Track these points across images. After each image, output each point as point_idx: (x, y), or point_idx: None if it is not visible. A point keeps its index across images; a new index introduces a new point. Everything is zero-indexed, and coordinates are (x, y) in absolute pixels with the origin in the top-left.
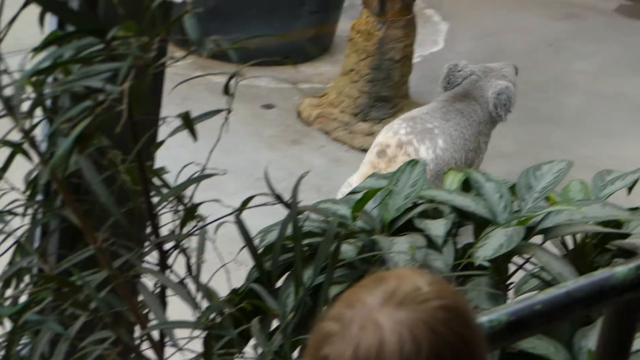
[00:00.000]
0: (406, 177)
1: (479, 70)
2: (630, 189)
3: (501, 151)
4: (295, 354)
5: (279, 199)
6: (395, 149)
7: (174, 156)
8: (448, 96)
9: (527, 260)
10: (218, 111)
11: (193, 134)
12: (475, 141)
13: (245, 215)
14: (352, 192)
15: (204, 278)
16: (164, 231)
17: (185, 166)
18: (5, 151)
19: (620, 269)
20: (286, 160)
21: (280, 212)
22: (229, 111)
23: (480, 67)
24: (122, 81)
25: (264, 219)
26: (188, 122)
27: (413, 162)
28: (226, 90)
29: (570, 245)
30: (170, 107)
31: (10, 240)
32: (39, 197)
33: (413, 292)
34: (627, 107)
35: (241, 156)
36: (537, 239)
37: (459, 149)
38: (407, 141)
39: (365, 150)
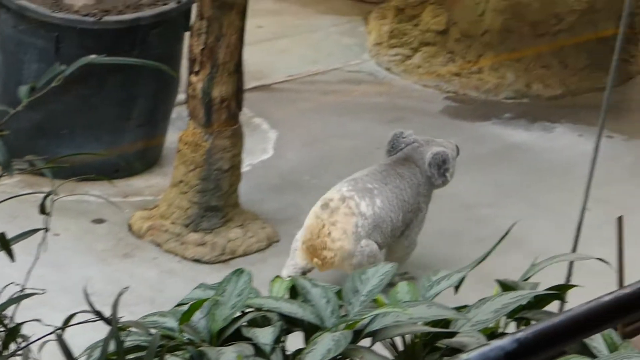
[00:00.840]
0: (232, 287)
1: (422, 139)
2: (456, 287)
3: None
4: None
5: (99, 315)
6: (338, 202)
7: (1, 275)
8: (390, 160)
9: None
10: (35, 230)
11: (10, 254)
12: (415, 202)
13: (77, 331)
14: (180, 304)
15: None
16: None
17: (6, 286)
18: None
19: None
20: (118, 274)
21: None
22: (46, 230)
23: (423, 137)
24: None
25: (97, 334)
26: (4, 243)
27: (239, 272)
28: (42, 209)
29: (401, 347)
30: None
31: None
32: None
33: None
34: (457, 206)
35: (73, 272)
36: (366, 341)
37: (395, 209)
38: (350, 196)
39: (197, 261)
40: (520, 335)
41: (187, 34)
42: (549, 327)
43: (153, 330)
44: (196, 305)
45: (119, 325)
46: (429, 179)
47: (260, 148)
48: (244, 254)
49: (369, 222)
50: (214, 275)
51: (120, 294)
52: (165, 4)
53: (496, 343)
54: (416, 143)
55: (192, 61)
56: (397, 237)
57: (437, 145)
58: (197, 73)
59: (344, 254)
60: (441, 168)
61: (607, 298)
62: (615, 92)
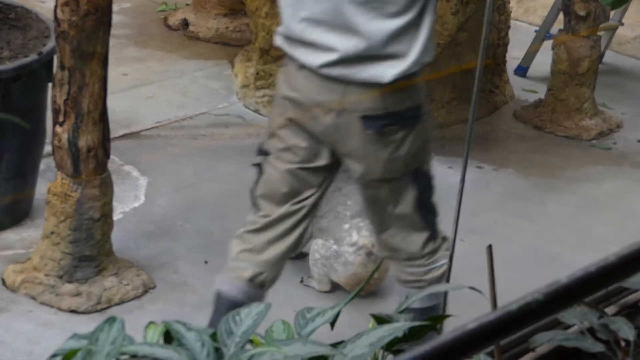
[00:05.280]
0: (105, 335)
1: None
2: (332, 324)
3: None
4: None
5: None
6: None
7: None
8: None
9: None
10: None
11: None
12: None
13: None
14: (53, 356)
15: None
16: None
17: None
18: None
19: None
20: None
21: None
22: None
23: None
24: None
25: None
26: None
27: (111, 320)
28: None
29: None
30: None
31: None
32: None
33: None
34: None
35: None
36: None
37: None
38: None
39: (74, 312)
40: None
41: (50, 85)
42: (414, 357)
43: None
44: (69, 355)
45: None
46: None
47: (131, 195)
48: (121, 302)
49: None
50: (92, 325)
51: None
52: (25, 57)
53: None
54: None
55: (56, 112)
56: None
57: None
58: (61, 124)
59: None
60: None
61: (471, 325)
62: (483, 123)
